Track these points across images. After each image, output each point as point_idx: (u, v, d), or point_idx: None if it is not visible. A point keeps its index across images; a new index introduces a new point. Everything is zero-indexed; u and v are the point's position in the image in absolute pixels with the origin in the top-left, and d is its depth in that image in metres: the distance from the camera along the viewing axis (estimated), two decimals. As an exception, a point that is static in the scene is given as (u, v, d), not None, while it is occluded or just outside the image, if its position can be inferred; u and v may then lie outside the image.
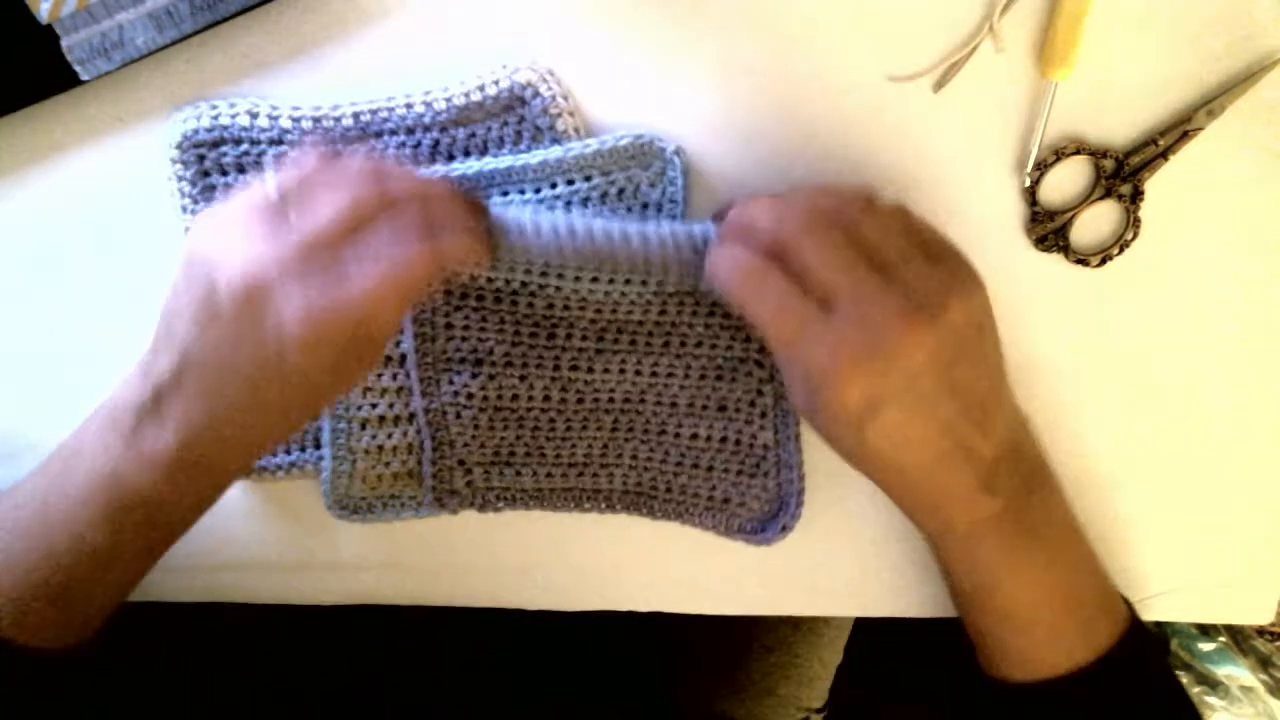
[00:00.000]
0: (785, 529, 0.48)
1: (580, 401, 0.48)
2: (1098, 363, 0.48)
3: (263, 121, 0.45)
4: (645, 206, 0.45)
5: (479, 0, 0.45)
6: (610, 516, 0.50)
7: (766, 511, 0.49)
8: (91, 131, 0.46)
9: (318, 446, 0.49)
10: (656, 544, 0.50)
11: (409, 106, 0.45)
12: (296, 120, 0.45)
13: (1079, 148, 0.45)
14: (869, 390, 0.37)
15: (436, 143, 0.45)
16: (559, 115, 0.45)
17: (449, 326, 0.47)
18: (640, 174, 0.45)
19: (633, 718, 0.63)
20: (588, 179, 0.45)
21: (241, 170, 0.46)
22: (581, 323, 0.46)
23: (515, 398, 0.47)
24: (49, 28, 0.43)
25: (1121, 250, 0.46)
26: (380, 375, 0.47)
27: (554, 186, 0.45)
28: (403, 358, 0.47)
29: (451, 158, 0.46)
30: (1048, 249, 0.46)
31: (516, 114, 0.45)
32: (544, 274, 0.44)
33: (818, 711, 0.68)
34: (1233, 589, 0.50)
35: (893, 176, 0.45)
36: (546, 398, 0.48)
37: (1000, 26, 0.44)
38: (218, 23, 0.44)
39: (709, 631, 0.63)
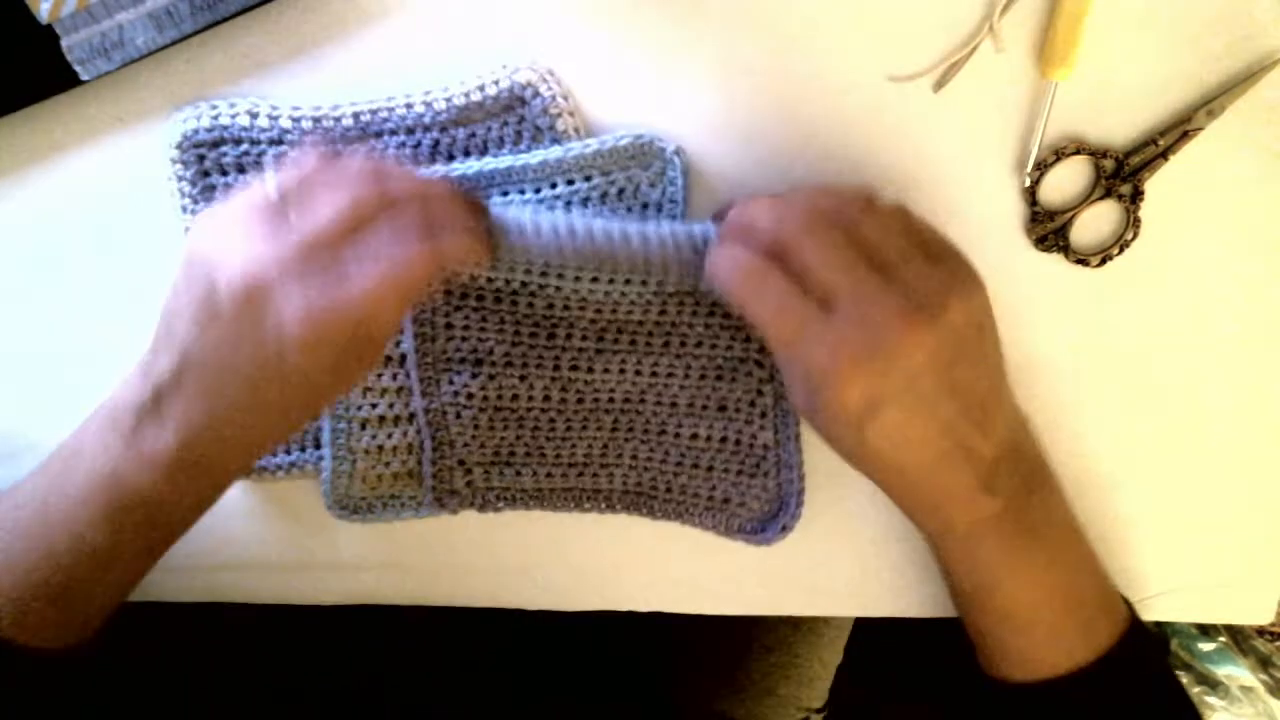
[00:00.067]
0: (785, 529, 0.48)
1: (580, 401, 0.48)
2: (1097, 363, 0.48)
3: (263, 121, 0.45)
4: (645, 206, 0.45)
5: (479, 2, 0.45)
6: (610, 516, 0.50)
7: (766, 511, 0.49)
8: (91, 131, 0.46)
9: (318, 446, 0.49)
10: (656, 544, 0.50)
11: (409, 106, 0.45)
12: (296, 120, 0.45)
13: (1079, 148, 0.45)
14: (869, 390, 0.37)
15: (436, 143, 0.45)
16: (559, 115, 0.45)
17: (449, 326, 0.47)
18: (640, 174, 0.45)
19: (633, 718, 0.63)
20: (588, 179, 0.45)
21: (241, 170, 0.46)
22: (582, 323, 0.46)
23: (515, 398, 0.47)
24: (49, 28, 0.43)
25: (1121, 250, 0.46)
26: (380, 375, 0.47)
27: (554, 186, 0.45)
28: (403, 358, 0.47)
29: (451, 158, 0.46)
30: (1048, 249, 0.46)
31: (516, 114, 0.45)
32: (544, 274, 0.44)
33: (818, 711, 0.68)
34: (1233, 589, 0.50)
35: (893, 176, 0.45)
36: (546, 398, 0.48)
37: (1000, 26, 0.44)
38: (218, 23, 0.44)
39: (709, 631, 0.63)
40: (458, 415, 0.48)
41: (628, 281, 0.44)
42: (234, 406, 0.38)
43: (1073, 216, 0.46)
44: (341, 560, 0.51)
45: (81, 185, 0.47)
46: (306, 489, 0.50)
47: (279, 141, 0.45)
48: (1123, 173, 0.45)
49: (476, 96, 0.44)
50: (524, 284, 0.45)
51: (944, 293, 0.38)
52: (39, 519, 0.40)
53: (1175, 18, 0.43)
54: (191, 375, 0.38)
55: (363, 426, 0.48)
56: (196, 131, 0.45)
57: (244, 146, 0.45)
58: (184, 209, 0.46)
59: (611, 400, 0.48)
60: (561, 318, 0.46)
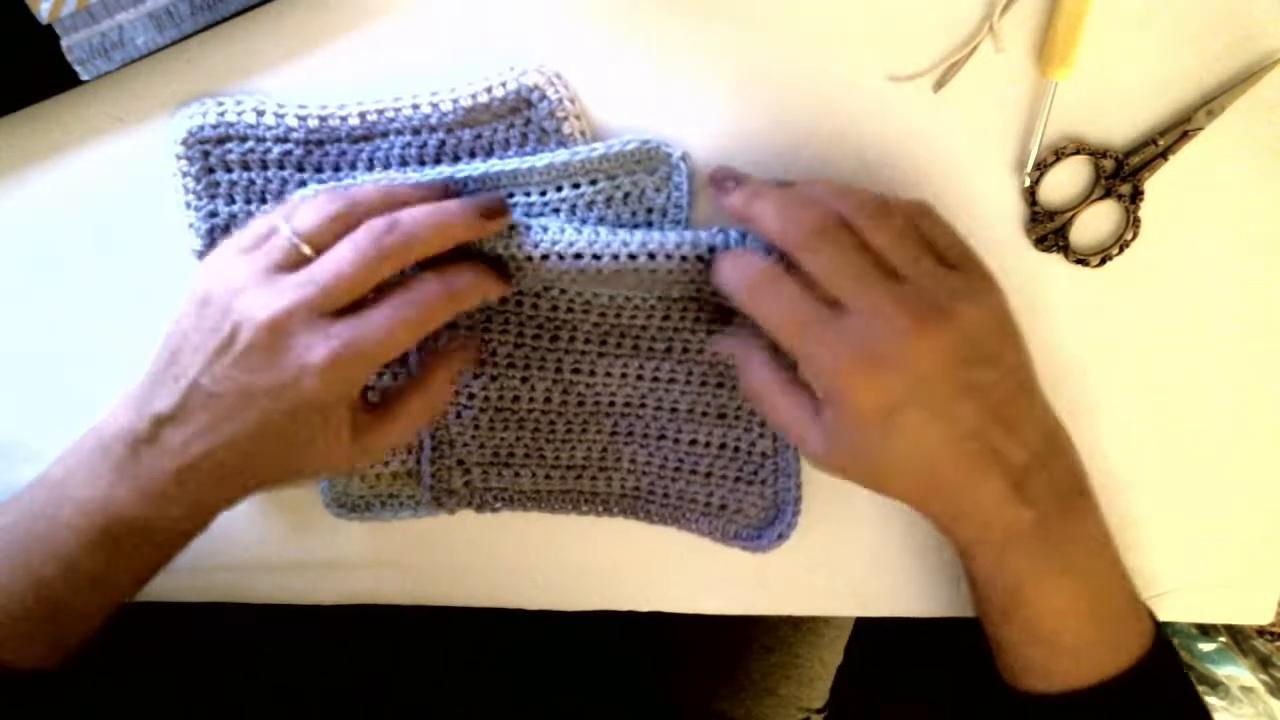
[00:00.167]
0: (781, 537, 0.48)
1: (580, 404, 0.48)
2: (1097, 363, 0.48)
3: (269, 119, 0.45)
4: (650, 211, 0.45)
5: (485, 2, 0.45)
6: (610, 517, 0.50)
7: (763, 519, 0.49)
8: (91, 131, 0.46)
9: (318, 446, 0.49)
10: (656, 544, 0.50)
11: (415, 107, 0.45)
12: (302, 119, 0.45)
13: (1079, 148, 0.45)
14: (884, 393, 0.37)
15: (442, 144, 0.45)
16: (565, 118, 0.45)
17: (452, 327, 0.47)
18: (646, 179, 0.45)
19: (633, 718, 0.63)
20: (593, 183, 0.45)
21: (246, 167, 0.46)
22: (584, 326, 0.46)
23: (516, 399, 0.47)
24: (49, 28, 0.43)
25: (1121, 250, 0.46)
26: (381, 375, 0.47)
27: (559, 190, 0.45)
28: (404, 357, 0.47)
29: (457, 159, 0.46)
30: (1048, 249, 0.46)
31: (523, 116, 0.45)
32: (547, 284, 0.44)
33: (818, 711, 0.68)
34: (1233, 589, 0.50)
35: (893, 176, 0.45)
36: (547, 400, 0.48)
37: (1000, 26, 0.44)
38: (218, 23, 0.44)
39: (709, 631, 0.63)
40: (458, 415, 0.48)
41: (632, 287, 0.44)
42: (241, 436, 0.38)
43: (1073, 216, 0.46)
44: (340, 560, 0.51)
45: (81, 185, 0.47)
46: (305, 488, 0.50)
47: (284, 139, 0.45)
48: (1123, 173, 0.45)
49: (483, 98, 0.44)
50: (529, 287, 0.45)
51: (956, 295, 0.38)
52: (26, 546, 0.40)
53: (1175, 18, 0.43)
54: (198, 405, 0.38)
55: (363, 426, 0.48)
56: (202, 128, 0.45)
57: (249, 144, 0.45)
58: (187, 204, 0.46)
59: (612, 404, 0.48)
60: (564, 321, 0.46)
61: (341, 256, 0.38)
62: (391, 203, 0.41)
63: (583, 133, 0.45)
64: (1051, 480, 0.40)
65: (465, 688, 0.62)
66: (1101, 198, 0.45)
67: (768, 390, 0.41)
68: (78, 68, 0.44)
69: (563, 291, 0.45)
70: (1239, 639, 0.93)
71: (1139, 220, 0.45)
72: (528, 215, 0.45)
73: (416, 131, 0.45)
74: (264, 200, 0.46)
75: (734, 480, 0.48)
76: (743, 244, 0.42)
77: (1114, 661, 0.41)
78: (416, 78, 0.45)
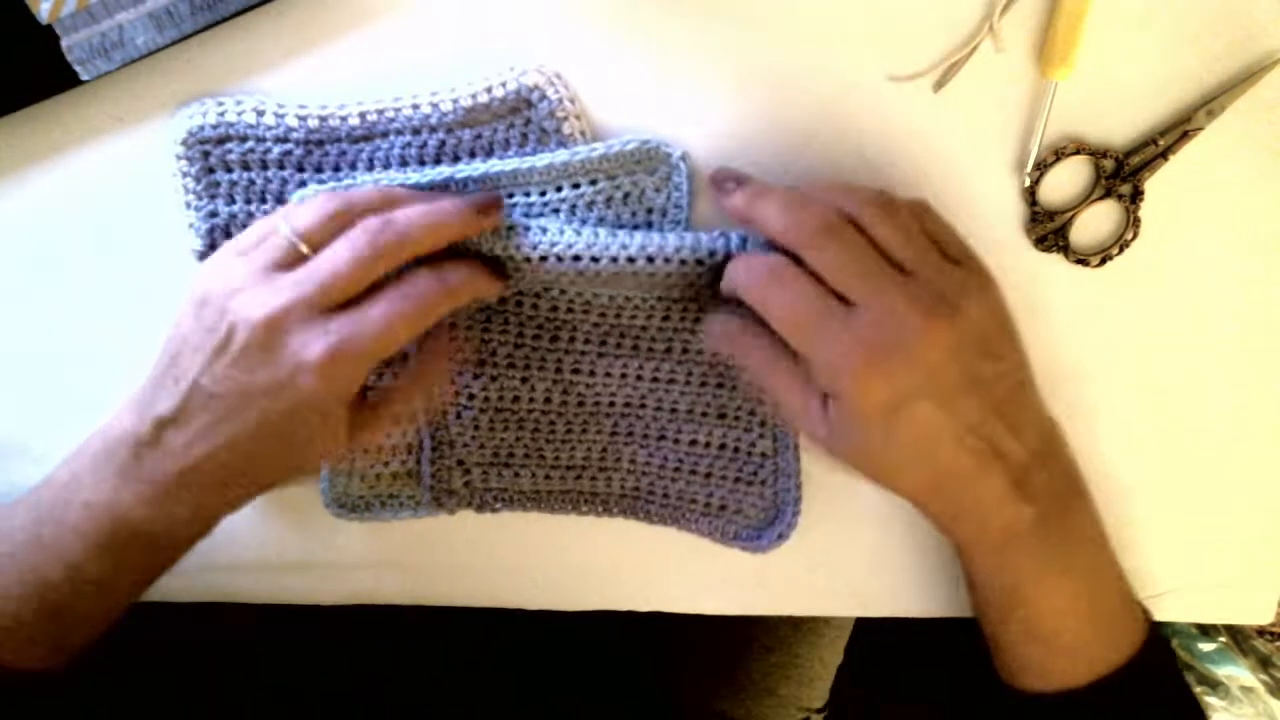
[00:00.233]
0: (781, 537, 0.48)
1: (581, 405, 0.48)
2: (1097, 363, 0.48)
3: (269, 119, 0.45)
4: (650, 211, 0.45)
5: (485, 2, 0.45)
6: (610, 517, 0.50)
7: (763, 519, 0.49)
8: (91, 131, 0.46)
9: (318, 446, 0.49)
10: (656, 544, 0.50)
11: (415, 107, 0.45)
12: (303, 119, 0.45)
13: (1079, 148, 0.45)
14: (892, 385, 0.37)
15: (442, 144, 0.45)
16: (565, 118, 0.45)
17: (452, 327, 0.47)
18: (646, 179, 0.45)
19: (633, 718, 0.63)
20: (593, 183, 0.45)
21: (246, 167, 0.46)
22: (584, 326, 0.46)
23: (516, 399, 0.47)
24: (49, 28, 0.43)
25: (1121, 250, 0.46)
26: (381, 375, 0.47)
27: (559, 190, 0.45)
28: (404, 357, 0.47)
29: (457, 159, 0.46)
30: (1048, 249, 0.46)
31: (523, 116, 0.45)
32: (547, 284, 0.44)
33: (818, 711, 0.68)
34: (1233, 589, 0.50)
35: (893, 176, 0.45)
36: (547, 400, 0.48)
37: (1000, 26, 0.44)
38: (218, 23, 0.44)
39: (709, 631, 0.63)
40: (458, 416, 0.48)
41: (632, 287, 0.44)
42: (241, 437, 0.38)
43: (1073, 216, 0.46)
44: (340, 560, 0.51)
45: (81, 185, 0.47)
46: (305, 488, 0.50)
47: (284, 139, 0.45)
48: (1123, 173, 0.45)
49: (483, 98, 0.44)
50: (528, 288, 0.45)
51: (961, 290, 0.38)
52: (31, 549, 0.40)
53: (1175, 18, 0.43)
54: (199, 406, 0.38)
55: (363, 426, 0.48)
56: (202, 128, 0.45)
57: (249, 144, 0.45)
58: (187, 204, 0.46)
59: (612, 404, 0.48)
60: (564, 321, 0.46)
61: (338, 254, 0.38)
62: (389, 202, 0.41)
63: (583, 133, 0.45)
64: (1050, 479, 0.40)
65: (465, 688, 0.62)
66: (1101, 198, 0.45)
67: (766, 360, 0.41)
68: (78, 68, 0.44)
69: (562, 292, 0.45)
70: (1239, 639, 0.93)
71: (1139, 220, 0.45)
72: (527, 216, 0.45)
73: (416, 131, 0.45)
74: (264, 200, 0.46)
75: (734, 481, 0.48)
76: (743, 247, 0.42)
77: (1111, 659, 0.42)
78: (416, 78, 0.45)
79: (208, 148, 0.45)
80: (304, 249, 0.39)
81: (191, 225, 0.46)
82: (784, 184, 0.46)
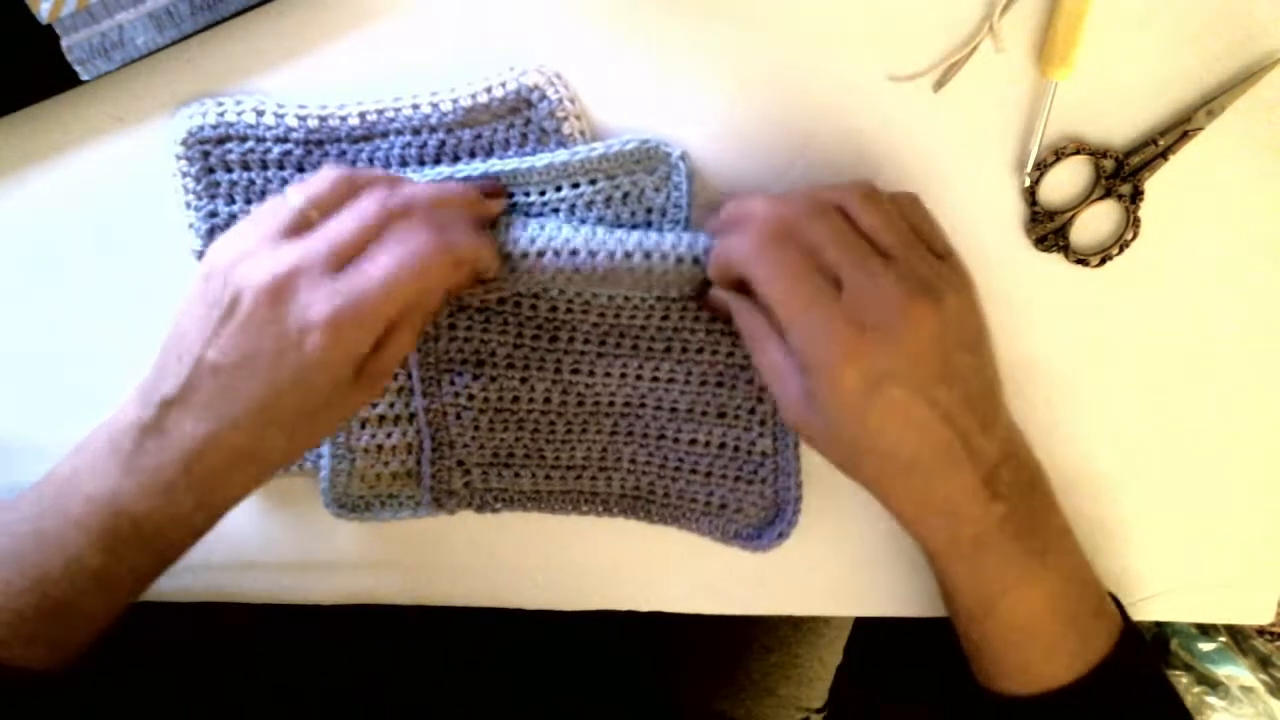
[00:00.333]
0: (782, 536, 0.48)
1: (580, 405, 0.48)
2: (1097, 363, 0.48)
3: (269, 119, 0.45)
4: (650, 211, 0.45)
5: (485, 2, 0.45)
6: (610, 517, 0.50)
7: (763, 518, 0.48)
8: (91, 131, 0.46)
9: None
10: (656, 544, 0.50)
11: (415, 107, 0.45)
12: (302, 119, 0.45)
13: (1079, 148, 0.45)
14: (873, 366, 0.37)
15: (442, 144, 0.45)
16: (565, 118, 0.45)
17: (452, 327, 0.47)
18: (645, 178, 0.45)
19: (633, 718, 0.63)
20: (593, 183, 0.45)
21: (246, 167, 0.46)
22: (584, 326, 0.46)
23: (516, 400, 0.47)
24: (49, 28, 0.43)
25: (1121, 250, 0.46)
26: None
27: (559, 189, 0.45)
28: (403, 359, 0.47)
29: (457, 159, 0.46)
30: (1048, 249, 0.46)
31: (523, 116, 0.45)
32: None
33: (818, 711, 0.68)
34: (1233, 589, 0.50)
35: (893, 176, 0.45)
36: (547, 400, 0.48)
37: (1000, 26, 0.44)
38: (218, 23, 0.44)
39: (709, 631, 0.63)
40: (458, 416, 0.48)
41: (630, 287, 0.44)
42: (246, 410, 0.38)
43: (1073, 216, 0.46)
44: (340, 560, 0.51)
45: (81, 185, 0.47)
46: (305, 488, 0.50)
47: (284, 139, 0.45)
48: (1123, 173, 0.45)
49: (483, 98, 0.44)
50: (527, 289, 0.45)
51: (944, 281, 0.38)
52: (34, 542, 0.40)
53: (1175, 18, 0.43)
54: (204, 381, 0.38)
55: (362, 425, 0.48)
56: (202, 128, 0.45)
57: (249, 144, 0.45)
58: (187, 204, 0.46)
59: (611, 404, 0.48)
60: (564, 321, 0.46)
61: (344, 219, 0.38)
62: (396, 181, 0.41)
63: (583, 133, 0.45)
64: (1016, 477, 0.41)
65: (465, 688, 0.62)
66: (1101, 198, 0.45)
67: (762, 332, 0.41)
68: (78, 68, 0.44)
69: (561, 292, 0.45)
70: (1239, 639, 0.93)
71: (1139, 220, 0.45)
72: (527, 215, 0.45)
73: (416, 131, 0.45)
74: (264, 200, 0.46)
75: (734, 480, 0.48)
76: None
77: (1086, 658, 0.42)
78: (416, 78, 0.45)
79: (208, 148, 0.45)
80: (313, 214, 0.39)
81: (191, 225, 0.46)
82: (784, 184, 0.46)
